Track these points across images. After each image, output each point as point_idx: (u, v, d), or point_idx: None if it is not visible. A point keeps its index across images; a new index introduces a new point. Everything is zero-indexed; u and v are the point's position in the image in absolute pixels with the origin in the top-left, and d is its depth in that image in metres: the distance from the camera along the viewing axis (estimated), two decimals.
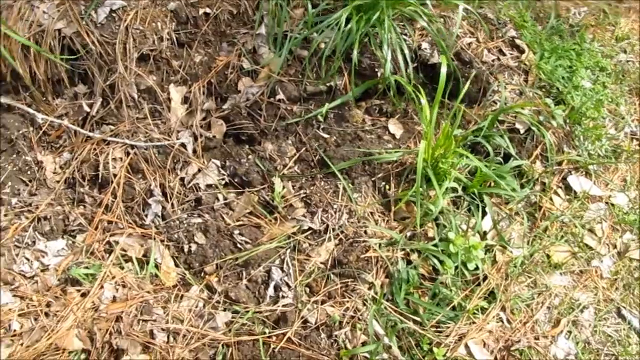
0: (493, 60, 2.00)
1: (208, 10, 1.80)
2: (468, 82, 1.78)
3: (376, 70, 1.81)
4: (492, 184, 1.74)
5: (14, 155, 1.69)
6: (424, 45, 1.91)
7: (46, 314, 1.49)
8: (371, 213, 1.67)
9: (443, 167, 1.65)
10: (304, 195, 1.67)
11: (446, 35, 1.86)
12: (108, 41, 1.72)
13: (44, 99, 1.79)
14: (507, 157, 1.79)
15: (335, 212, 1.63)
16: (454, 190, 1.70)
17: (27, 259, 1.58)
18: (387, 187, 1.70)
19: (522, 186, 1.79)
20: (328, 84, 1.82)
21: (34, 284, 1.55)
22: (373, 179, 1.70)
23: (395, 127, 1.86)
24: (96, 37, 1.70)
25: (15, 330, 1.46)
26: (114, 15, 1.72)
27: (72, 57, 1.75)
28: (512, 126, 1.87)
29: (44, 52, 1.69)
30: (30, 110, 1.77)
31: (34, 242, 1.59)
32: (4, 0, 1.71)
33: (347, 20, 1.76)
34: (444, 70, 1.60)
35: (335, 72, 1.81)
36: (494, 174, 1.68)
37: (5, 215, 1.63)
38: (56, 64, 1.71)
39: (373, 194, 1.69)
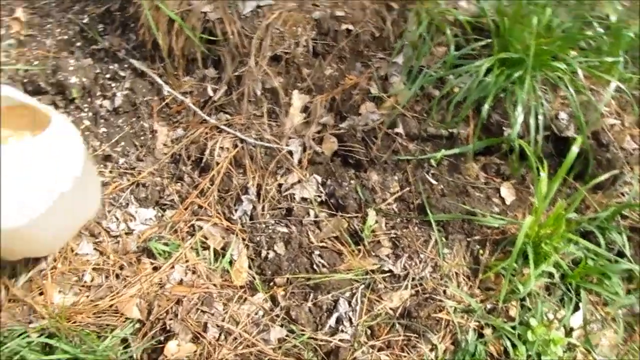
0: (634, 149, 2.02)
1: (351, 26, 1.93)
2: (597, 165, 1.81)
3: (504, 128, 1.84)
4: (595, 280, 1.71)
5: (134, 119, 1.91)
6: (562, 115, 1.91)
7: (117, 276, 1.66)
8: (456, 274, 1.69)
9: (545, 249, 1.64)
10: (394, 235, 1.73)
11: (589, 111, 1.88)
12: (247, 34, 1.88)
13: (175, 73, 1.99)
14: (619, 256, 1.74)
15: (420, 262, 1.67)
16: (550, 275, 1.68)
17: (117, 219, 1.76)
18: (481, 252, 1.72)
19: (627, 292, 1.73)
20: (450, 130, 1.88)
21: (116, 243, 1.72)
22: (469, 239, 1.73)
23: (507, 192, 1.89)
24: (237, 28, 1.87)
25: (85, 282, 1.64)
26: (259, 10, 1.90)
27: (210, 40, 1.93)
28: (635, 225, 1.83)
29: (187, 29, 1.92)
30: (160, 81, 1.97)
31: (127, 205, 1.78)
32: None
33: (487, 71, 1.81)
34: (575, 148, 1.60)
35: (461, 120, 1.87)
36: (599, 271, 1.66)
37: (110, 172, 1.83)
38: (194, 43, 1.91)
39: (464, 254, 1.71)
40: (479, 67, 1.80)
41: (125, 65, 2.02)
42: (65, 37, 2.11)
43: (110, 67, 2.02)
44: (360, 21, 1.92)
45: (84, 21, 2.13)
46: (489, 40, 1.88)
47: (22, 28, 2.14)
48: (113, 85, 1.99)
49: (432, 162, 1.87)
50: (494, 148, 1.89)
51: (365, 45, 1.97)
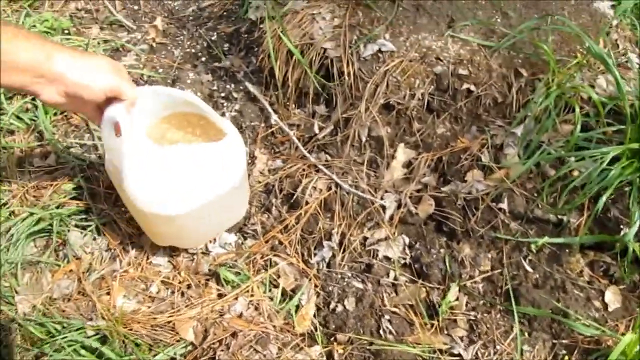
0: None
1: (473, 87, 1.95)
2: None
3: (621, 226, 1.78)
4: None
5: None
6: None
7: (182, 294, 1.78)
8: None
9: None
10: (473, 318, 1.72)
11: None
12: (363, 77, 1.96)
13: (286, 103, 2.12)
14: None
15: (494, 354, 1.64)
16: None
17: None
18: (567, 358, 1.66)
19: None
20: (560, 216, 1.85)
21: (190, 261, 1.85)
22: (555, 341, 1.67)
23: (613, 297, 1.80)
24: (354, 69, 1.96)
25: (151, 292, 1.78)
26: (379, 55, 1.96)
27: (326, 77, 2.05)
28: None
29: (304, 64, 2.06)
30: (269, 108, 2.10)
31: None
32: (292, 6, 2.13)
33: (614, 160, 1.76)
34: None
35: (574, 208, 1.83)
36: None
37: None
38: (309, 77, 2.04)
39: (547, 356, 1.66)
40: (606, 153, 1.78)
41: (241, 87, 2.18)
42: (193, 50, 2.34)
43: (227, 86, 2.21)
44: (483, 83, 1.94)
45: (213, 38, 2.37)
46: (622, 127, 1.85)
47: (158, 35, 2.42)
48: (225, 104, 2.16)
49: (533, 247, 1.84)
50: (608, 245, 1.85)
51: (485, 109, 1.99)
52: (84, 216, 1.90)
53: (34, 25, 2.30)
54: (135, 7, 2.48)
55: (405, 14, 2.02)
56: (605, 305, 1.80)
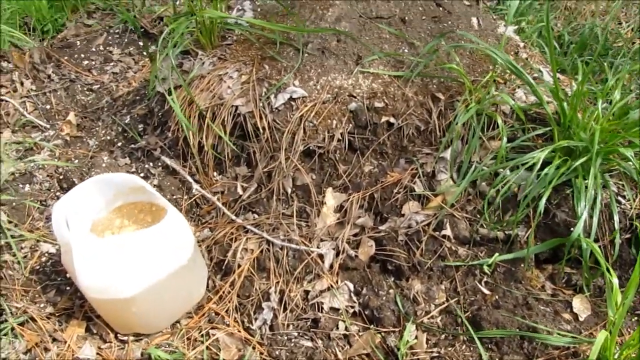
0: None
1: (392, 120, 1.78)
2: None
3: (571, 229, 1.57)
4: None
5: None
6: None
7: None
8: None
9: None
10: (437, 354, 1.47)
11: None
12: (278, 128, 1.78)
13: (206, 171, 1.92)
14: None
15: None
16: None
17: None
18: None
19: None
20: (507, 232, 1.66)
21: (121, 349, 1.57)
22: None
23: (581, 306, 1.60)
24: (268, 121, 1.78)
25: None
26: (292, 103, 1.80)
27: (242, 135, 1.86)
28: None
29: (216, 128, 1.85)
30: (189, 179, 1.89)
31: None
32: (198, 71, 1.96)
33: (547, 164, 1.61)
34: None
35: (519, 220, 1.65)
36: None
37: None
38: (224, 141, 1.89)
39: None
40: (536, 157, 1.62)
41: (159, 164, 1.98)
42: (109, 137, 2.15)
43: (145, 165, 2.01)
44: (402, 113, 1.79)
45: (126, 121, 2.19)
46: (548, 129, 1.70)
47: (72, 130, 2.23)
48: None
49: (485, 268, 1.63)
50: (562, 254, 1.65)
51: (410, 139, 1.81)
52: None
53: None
54: (48, 107, 2.29)
55: (311, 59, 1.87)
56: (576, 316, 1.57)
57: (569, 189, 1.65)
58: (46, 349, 1.57)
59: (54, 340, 1.59)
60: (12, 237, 1.81)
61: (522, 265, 1.64)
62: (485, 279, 1.63)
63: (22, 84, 2.38)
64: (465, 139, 1.79)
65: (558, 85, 1.69)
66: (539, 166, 1.59)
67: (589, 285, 1.61)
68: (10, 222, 1.86)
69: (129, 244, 1.46)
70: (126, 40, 2.67)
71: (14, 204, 1.90)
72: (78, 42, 2.66)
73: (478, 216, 1.71)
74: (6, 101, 2.29)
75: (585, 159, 1.54)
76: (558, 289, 1.63)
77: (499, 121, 1.72)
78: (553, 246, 1.62)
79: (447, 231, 1.70)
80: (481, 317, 1.51)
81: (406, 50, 1.91)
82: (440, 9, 2.07)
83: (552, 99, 1.76)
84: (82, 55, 2.59)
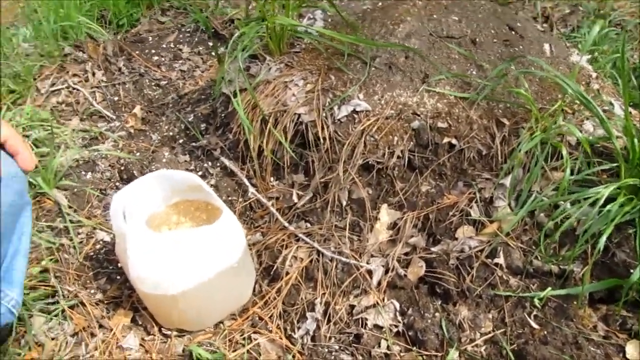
0: None
1: (454, 141, 1.77)
2: None
3: (631, 271, 1.51)
4: None
5: None
6: None
7: None
8: None
9: None
10: None
11: None
12: (339, 139, 1.78)
13: (263, 176, 1.94)
14: None
15: None
16: None
17: None
18: None
19: None
20: (562, 267, 1.61)
21: (163, 343, 1.60)
22: None
23: (635, 352, 1.52)
24: (329, 132, 1.78)
25: None
26: (355, 116, 1.80)
27: (302, 144, 1.88)
28: None
29: (277, 134, 1.85)
30: (247, 182, 1.92)
31: None
32: (264, 76, 1.99)
33: (610, 200, 1.55)
34: None
35: (576, 256, 1.60)
36: None
37: None
38: (284, 147, 1.88)
39: None
40: (600, 193, 1.58)
41: (217, 164, 2.02)
42: (171, 133, 2.21)
43: (204, 164, 2.04)
44: (465, 136, 1.77)
45: (190, 119, 2.24)
46: (615, 165, 1.65)
47: (137, 123, 2.30)
48: None
49: (536, 302, 1.59)
50: (618, 295, 1.60)
51: (470, 163, 1.79)
52: (50, 300, 1.66)
53: (11, 119, 2.17)
54: (116, 98, 2.37)
55: (377, 74, 1.87)
56: None
57: (632, 228, 1.59)
58: (92, 334, 1.61)
59: (101, 326, 1.63)
60: (71, 222, 1.87)
61: (575, 302, 1.58)
62: (534, 313, 1.58)
63: (93, 74, 2.46)
64: (527, 168, 1.75)
65: (630, 120, 1.63)
66: (602, 202, 1.54)
67: None
68: (70, 207, 1.92)
69: (184, 241, 1.49)
70: (196, 39, 2.73)
71: (75, 189, 1.96)
72: (150, 38, 2.73)
73: (533, 247, 1.67)
74: (78, 90, 2.38)
75: None
76: (611, 331, 1.57)
77: (564, 152, 1.67)
78: (610, 286, 1.56)
79: (500, 259, 1.67)
80: (527, 351, 1.47)
81: (474, 72, 1.88)
82: (513, 32, 2.04)
83: (622, 134, 1.71)
84: (153, 51, 2.66)
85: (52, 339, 1.60)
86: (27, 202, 1.40)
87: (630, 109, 1.85)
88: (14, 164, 1.29)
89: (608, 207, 1.54)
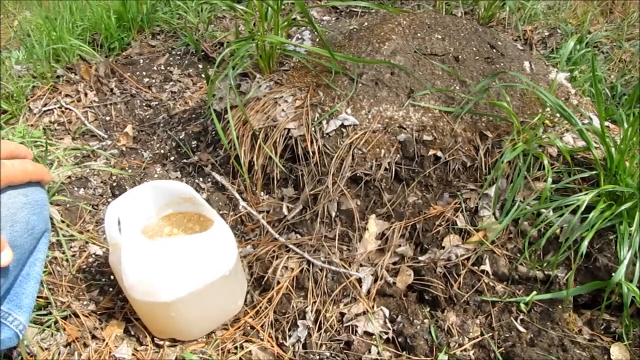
0: None
1: (440, 153, 1.82)
2: None
3: (612, 274, 1.56)
4: None
5: None
6: None
7: None
8: None
9: None
10: None
11: None
12: (328, 152, 1.83)
13: (253, 190, 1.97)
14: None
15: None
16: None
17: None
18: None
19: None
20: (546, 272, 1.66)
21: (156, 353, 1.61)
22: None
23: (620, 354, 1.56)
24: (318, 146, 1.83)
25: None
26: (343, 130, 1.85)
27: (292, 158, 1.93)
28: None
29: (267, 149, 1.90)
30: (237, 196, 1.96)
31: None
32: (254, 93, 2.05)
33: (591, 208, 1.61)
34: None
35: (559, 262, 1.65)
36: None
37: None
38: (274, 162, 1.94)
39: None
40: (580, 200, 1.63)
41: (209, 179, 2.05)
42: (162, 151, 2.24)
43: (195, 180, 2.09)
44: (450, 148, 1.83)
45: (181, 137, 2.28)
46: (594, 172, 1.71)
47: (128, 141, 2.33)
48: None
49: (522, 307, 1.63)
50: (602, 300, 1.64)
51: (455, 174, 1.84)
52: (42, 311, 1.67)
53: (4, 137, 2.20)
54: (107, 118, 2.40)
55: (364, 89, 1.92)
56: None
57: (613, 234, 1.65)
58: (85, 345, 1.62)
59: (94, 337, 1.64)
60: (64, 236, 1.89)
61: (560, 307, 1.62)
62: (521, 317, 1.62)
63: (86, 95, 2.50)
64: (511, 178, 1.81)
65: (605, 128, 1.70)
66: (582, 209, 1.59)
67: (628, 334, 1.58)
68: (62, 221, 1.94)
69: (176, 248, 1.51)
70: (186, 62, 2.79)
71: (67, 205, 1.98)
72: (141, 60, 2.78)
73: (518, 254, 1.72)
74: (70, 110, 2.41)
75: (630, 204, 1.54)
76: (596, 334, 1.61)
77: (545, 162, 1.73)
78: (593, 289, 1.61)
79: (486, 267, 1.71)
80: (515, 353, 1.51)
81: (457, 88, 1.95)
82: (494, 50, 2.11)
83: (600, 144, 1.77)
84: (144, 73, 2.71)
85: (45, 349, 1.61)
86: (48, 229, 1.39)
87: (608, 123, 1.92)
88: (43, 191, 1.29)
89: (589, 214, 1.60)
